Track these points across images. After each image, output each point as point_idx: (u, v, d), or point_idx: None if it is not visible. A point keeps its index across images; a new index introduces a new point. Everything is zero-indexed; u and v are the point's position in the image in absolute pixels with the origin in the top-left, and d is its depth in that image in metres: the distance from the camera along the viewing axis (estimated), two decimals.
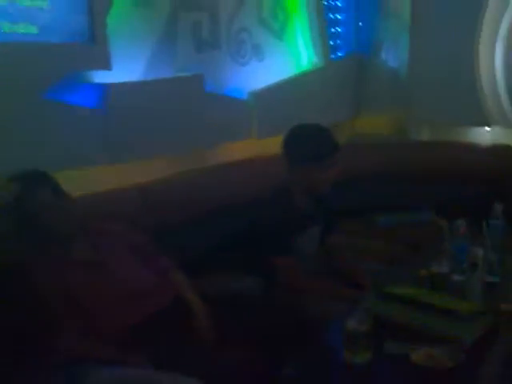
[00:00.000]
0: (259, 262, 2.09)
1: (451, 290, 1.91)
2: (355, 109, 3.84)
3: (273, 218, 2.03)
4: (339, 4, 3.81)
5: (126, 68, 2.42)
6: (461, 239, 2.07)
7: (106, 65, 2.30)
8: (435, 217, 2.96)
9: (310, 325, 1.90)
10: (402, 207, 3.12)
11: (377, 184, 3.23)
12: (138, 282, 1.89)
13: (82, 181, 2.21)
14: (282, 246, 2.02)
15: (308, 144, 1.99)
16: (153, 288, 1.91)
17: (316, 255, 2.22)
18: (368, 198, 3.20)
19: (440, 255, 2.14)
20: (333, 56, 3.76)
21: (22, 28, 2.09)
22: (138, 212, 2.23)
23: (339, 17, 3.83)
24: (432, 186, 3.19)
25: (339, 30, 3.84)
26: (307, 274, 2.10)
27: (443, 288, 1.89)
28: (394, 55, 3.80)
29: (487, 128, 3.53)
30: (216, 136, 2.79)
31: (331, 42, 3.78)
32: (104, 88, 2.31)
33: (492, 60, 3.45)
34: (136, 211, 2.24)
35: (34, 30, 2.13)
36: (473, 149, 3.42)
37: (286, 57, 3.41)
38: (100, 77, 2.35)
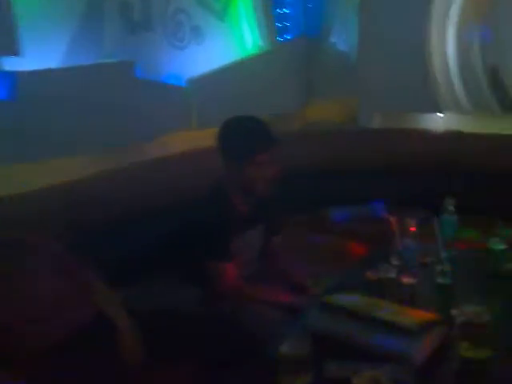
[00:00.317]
0: (195, 269, 1.90)
1: (401, 294, 1.76)
2: (306, 96, 3.66)
3: (208, 219, 1.85)
4: None
5: (41, 54, 2.15)
6: (411, 237, 1.92)
7: (14, 50, 2.02)
8: (386, 212, 2.83)
9: (251, 339, 1.73)
10: (355, 200, 2.97)
11: (328, 176, 3.07)
12: (55, 296, 1.66)
13: None
14: (220, 249, 1.84)
15: (241, 138, 1.82)
16: (72, 302, 1.69)
17: (259, 259, 2.04)
18: (319, 190, 3.04)
19: (389, 256, 2.00)
20: (280, 39, 3.57)
21: None
22: (58, 216, 1.99)
23: None
24: (384, 176, 3.05)
25: (287, 11, 3.63)
26: (248, 280, 1.92)
27: (392, 294, 1.74)
28: (344, 38, 3.63)
29: (439, 114, 3.41)
30: (151, 128, 2.55)
31: (278, 24, 3.57)
32: (13, 76, 2.03)
33: (444, 43, 3.32)
34: (56, 215, 1.99)
35: None
36: (425, 136, 3.30)
37: (229, 39, 3.19)
38: (11, 64, 2.07)
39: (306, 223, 2.81)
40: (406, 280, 1.88)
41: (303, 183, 3.00)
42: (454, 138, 3.21)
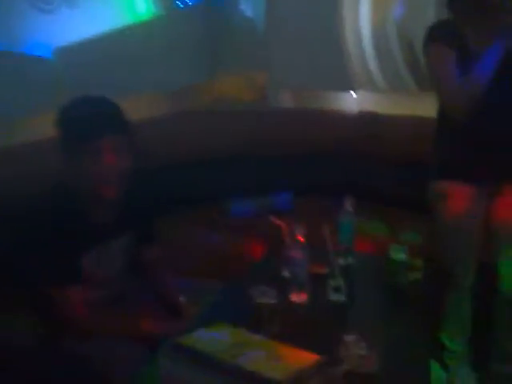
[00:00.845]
0: (32, 296, 1.52)
1: (286, 321, 1.46)
2: (209, 70, 3.27)
3: (44, 230, 1.45)
4: None
5: None
6: (300, 248, 1.62)
7: None
8: (291, 204, 2.54)
9: (97, 381, 1.39)
10: (259, 191, 2.64)
11: (229, 162, 2.72)
12: None
13: None
14: (61, 269, 1.45)
15: (72, 121, 1.44)
16: None
17: (125, 276, 1.67)
18: (219, 179, 2.70)
19: (280, 266, 1.71)
20: (180, 4, 3.14)
21: None
22: None
23: None
24: (291, 163, 2.75)
25: None
26: (107, 304, 1.56)
27: (270, 323, 1.43)
28: (251, 6, 3.25)
29: (353, 93, 3.14)
30: (3, 109, 2.09)
31: None
32: None
33: (357, 16, 3.03)
34: None
35: None
36: (337, 117, 3.02)
37: (114, 3, 2.73)
38: None
39: (199, 219, 2.46)
40: (296, 298, 1.60)
41: (201, 172, 2.65)
42: (368, 120, 2.96)
